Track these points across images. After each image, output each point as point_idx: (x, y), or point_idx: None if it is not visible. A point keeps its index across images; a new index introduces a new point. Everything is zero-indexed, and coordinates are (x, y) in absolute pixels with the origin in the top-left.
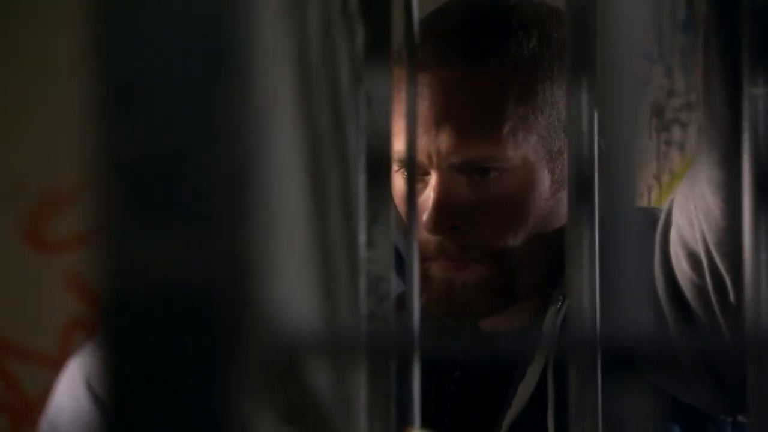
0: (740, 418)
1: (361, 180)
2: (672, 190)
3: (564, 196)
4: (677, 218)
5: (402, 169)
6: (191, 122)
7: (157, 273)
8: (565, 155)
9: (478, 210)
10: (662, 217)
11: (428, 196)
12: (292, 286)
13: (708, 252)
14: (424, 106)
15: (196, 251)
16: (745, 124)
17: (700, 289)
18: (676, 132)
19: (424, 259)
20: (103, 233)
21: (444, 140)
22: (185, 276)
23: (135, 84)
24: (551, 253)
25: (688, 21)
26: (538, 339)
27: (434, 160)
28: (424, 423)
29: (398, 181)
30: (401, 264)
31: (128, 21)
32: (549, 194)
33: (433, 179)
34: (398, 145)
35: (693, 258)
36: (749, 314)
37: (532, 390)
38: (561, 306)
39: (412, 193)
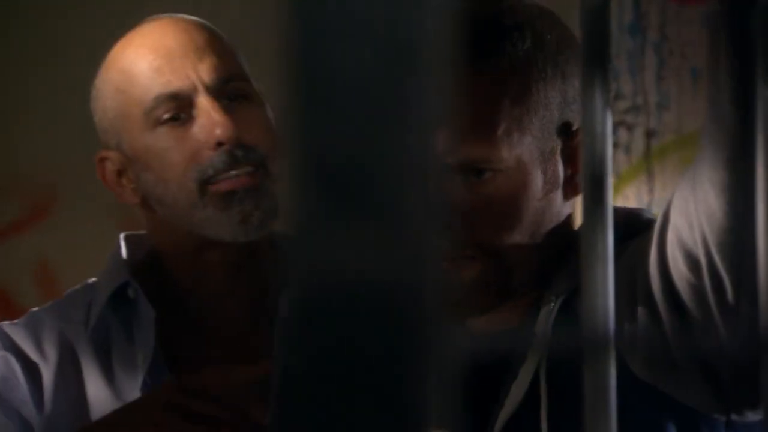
0: (733, 417)
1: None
2: (618, 192)
3: (556, 196)
4: (675, 220)
5: None
6: (381, 123)
7: (348, 272)
8: (558, 156)
9: (472, 210)
10: (659, 219)
11: None
12: None
13: (708, 253)
14: None
15: (386, 251)
16: (759, 126)
17: (698, 290)
18: (623, 134)
19: None
20: (296, 232)
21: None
22: (375, 275)
23: (326, 85)
24: (543, 254)
25: (635, 23)
26: (531, 339)
27: None
28: None
29: None
30: None
31: (318, 22)
32: (542, 194)
33: None
34: None
35: (691, 259)
36: (764, 316)
37: (525, 390)
38: (554, 307)
39: None
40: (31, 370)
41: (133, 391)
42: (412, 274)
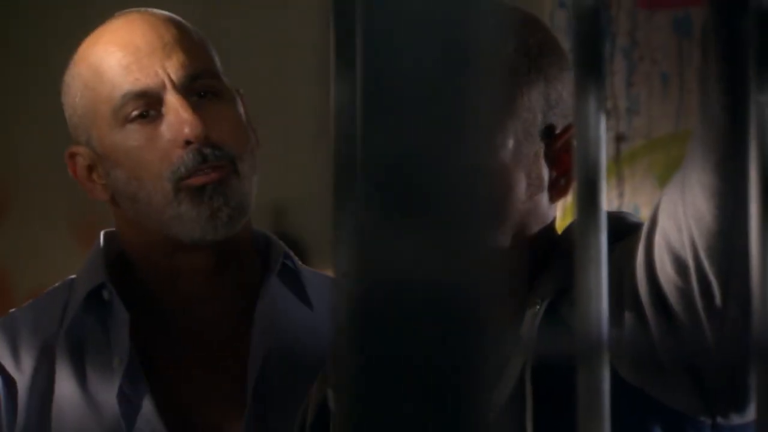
0: (719, 420)
1: None
2: None
3: (541, 199)
4: (663, 223)
5: None
6: (440, 125)
7: (406, 271)
8: (541, 159)
9: None
10: (647, 222)
11: None
12: None
13: (696, 257)
14: None
15: (443, 251)
16: (752, 131)
17: (685, 293)
18: None
19: None
20: (355, 232)
21: None
22: (433, 275)
23: (385, 86)
24: (529, 256)
25: (605, 29)
26: (516, 342)
27: None
28: None
29: None
30: None
31: (376, 20)
32: (525, 197)
33: None
34: None
35: (679, 262)
36: (757, 319)
37: (510, 393)
38: (539, 309)
39: None
40: (9, 386)
41: (108, 396)
42: (470, 276)
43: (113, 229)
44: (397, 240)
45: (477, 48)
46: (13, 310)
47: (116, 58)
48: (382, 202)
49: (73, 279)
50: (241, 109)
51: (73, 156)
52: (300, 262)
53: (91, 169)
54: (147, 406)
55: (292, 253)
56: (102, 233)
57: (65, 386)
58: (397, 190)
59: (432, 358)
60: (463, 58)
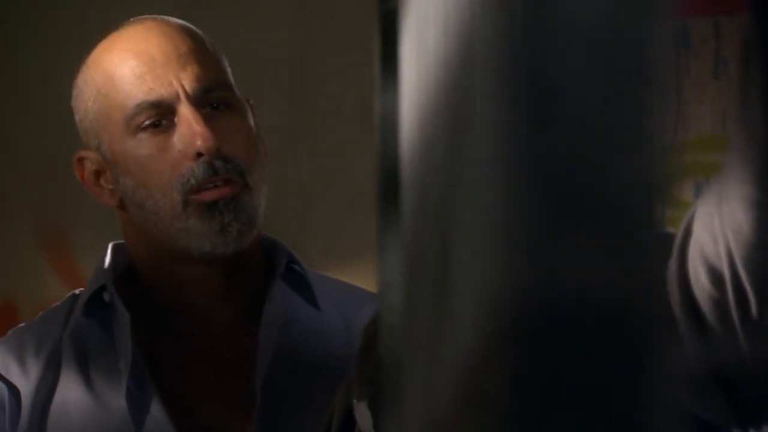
0: (751, 431)
1: None
2: None
3: None
4: (698, 235)
5: None
6: (607, 133)
7: (575, 286)
8: None
9: None
10: (680, 233)
11: None
12: None
13: (733, 267)
14: None
15: (612, 265)
16: None
17: (720, 304)
18: None
19: None
20: (520, 246)
21: None
22: (602, 290)
23: (551, 98)
24: None
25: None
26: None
27: None
28: None
29: None
30: None
31: (541, 28)
32: None
33: None
34: None
35: (713, 273)
36: None
37: None
38: None
39: None
40: (14, 396)
41: (116, 398)
42: (643, 293)
43: (120, 241)
44: (569, 255)
45: (643, 56)
46: (17, 326)
47: (130, 66)
48: (555, 214)
49: (80, 291)
50: (252, 121)
51: (81, 160)
52: (305, 265)
53: (99, 174)
54: (155, 407)
55: (297, 256)
56: (110, 245)
57: (71, 390)
58: (569, 205)
59: (601, 377)
60: (634, 70)
